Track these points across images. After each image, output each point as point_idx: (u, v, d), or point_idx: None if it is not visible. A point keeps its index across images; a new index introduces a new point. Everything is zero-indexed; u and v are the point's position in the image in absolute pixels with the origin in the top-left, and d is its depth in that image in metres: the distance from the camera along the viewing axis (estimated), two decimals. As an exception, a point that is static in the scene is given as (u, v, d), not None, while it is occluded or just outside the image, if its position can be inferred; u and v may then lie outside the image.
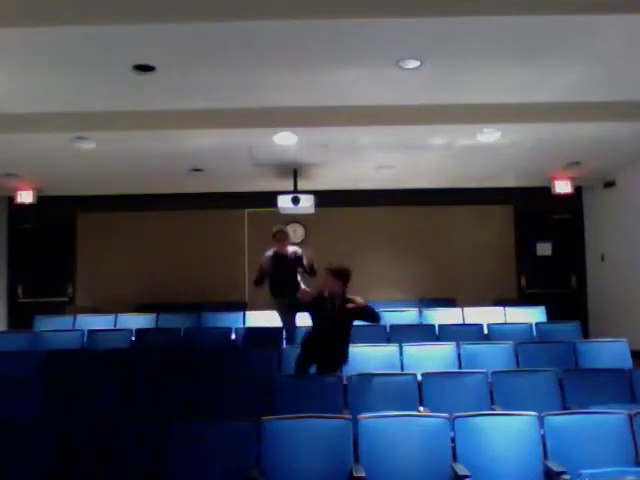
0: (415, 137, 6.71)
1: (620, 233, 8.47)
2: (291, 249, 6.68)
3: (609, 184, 8.73)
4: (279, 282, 6.54)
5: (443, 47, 4.59)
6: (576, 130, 6.42)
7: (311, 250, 6.72)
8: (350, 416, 3.99)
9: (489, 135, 6.53)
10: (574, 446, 3.77)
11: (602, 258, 9.04)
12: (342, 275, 4.97)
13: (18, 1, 4.08)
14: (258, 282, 6.56)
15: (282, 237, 6.62)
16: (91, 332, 6.79)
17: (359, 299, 4.94)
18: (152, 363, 5.63)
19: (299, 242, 9.37)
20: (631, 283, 8.12)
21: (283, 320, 6.75)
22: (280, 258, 6.54)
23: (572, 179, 8.62)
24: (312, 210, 8.09)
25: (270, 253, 6.60)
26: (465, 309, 7.60)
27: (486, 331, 6.68)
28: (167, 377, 5.16)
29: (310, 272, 6.55)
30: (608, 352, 5.86)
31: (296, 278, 6.59)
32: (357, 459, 3.75)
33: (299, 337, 6.38)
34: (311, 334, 5.20)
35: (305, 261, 6.55)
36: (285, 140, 6.58)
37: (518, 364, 5.68)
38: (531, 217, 9.71)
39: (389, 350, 5.72)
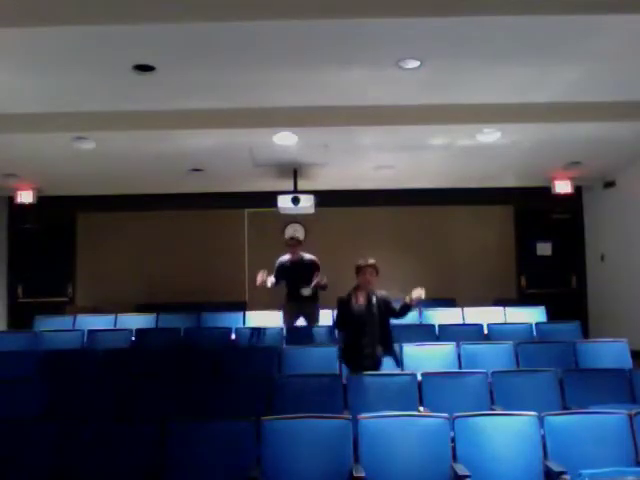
0: (415, 137, 6.71)
1: (620, 233, 8.47)
2: (306, 256, 6.75)
3: (609, 184, 8.72)
4: (296, 288, 6.62)
5: (443, 47, 4.59)
6: (576, 130, 6.42)
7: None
8: (350, 416, 3.99)
9: (489, 135, 6.53)
10: (574, 446, 3.77)
11: (602, 258, 9.04)
12: (378, 268, 5.14)
13: (18, 1, 4.08)
14: (272, 286, 6.63)
15: (293, 243, 6.74)
16: (91, 332, 6.78)
17: (420, 294, 5.01)
18: (152, 363, 5.63)
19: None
20: (631, 283, 8.12)
21: (285, 320, 6.85)
22: (295, 264, 6.61)
23: (572, 179, 8.62)
24: (312, 210, 8.08)
25: (285, 259, 6.72)
26: (465, 309, 7.60)
27: (486, 331, 6.68)
28: (167, 377, 5.16)
29: (321, 288, 6.59)
30: (608, 352, 5.86)
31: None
32: (357, 459, 3.75)
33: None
34: (349, 338, 5.27)
35: (319, 275, 6.53)
36: (285, 140, 6.58)
37: (518, 364, 5.68)
38: (531, 217, 9.71)
39: (389, 350, 5.72)
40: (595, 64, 4.96)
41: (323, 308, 6.95)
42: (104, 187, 8.85)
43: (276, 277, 6.63)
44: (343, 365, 5.36)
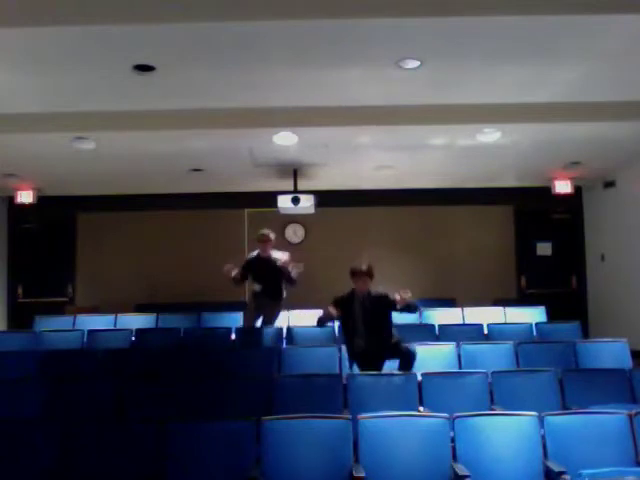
0: (415, 137, 6.71)
1: (620, 233, 8.47)
2: (276, 254, 6.60)
3: (609, 184, 8.72)
4: (260, 284, 6.58)
5: (443, 47, 4.58)
6: (576, 130, 6.41)
7: (292, 260, 6.65)
8: (350, 416, 3.99)
9: (489, 135, 6.53)
10: (574, 446, 3.77)
11: (602, 258, 9.04)
12: (372, 273, 5.19)
13: (18, 1, 4.08)
14: (236, 281, 6.60)
15: (264, 239, 6.54)
16: (91, 332, 6.79)
17: (404, 295, 5.02)
18: (152, 363, 5.63)
19: (299, 242, 9.40)
20: (631, 283, 8.12)
21: (245, 322, 6.81)
22: (261, 261, 6.54)
23: (572, 179, 8.62)
24: (312, 210, 8.08)
25: (253, 255, 6.64)
26: (465, 309, 7.60)
27: (486, 331, 6.68)
28: (167, 377, 5.16)
29: (288, 280, 6.55)
30: (608, 352, 5.86)
31: (279, 282, 6.61)
32: (357, 459, 3.75)
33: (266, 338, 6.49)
34: (346, 336, 5.34)
35: (283, 269, 6.48)
36: (285, 140, 6.58)
37: (518, 364, 5.68)
38: (531, 217, 9.72)
39: (389, 350, 5.72)
40: (595, 64, 4.96)
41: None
42: (104, 187, 8.86)
43: (242, 273, 6.56)
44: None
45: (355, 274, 5.19)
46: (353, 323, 5.20)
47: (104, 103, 5.70)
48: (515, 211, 9.79)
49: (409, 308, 5.21)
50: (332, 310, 5.18)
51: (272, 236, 6.63)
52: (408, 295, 5.06)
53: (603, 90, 5.58)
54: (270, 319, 6.73)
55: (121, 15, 4.08)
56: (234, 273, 6.48)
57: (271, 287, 6.62)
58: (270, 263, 6.52)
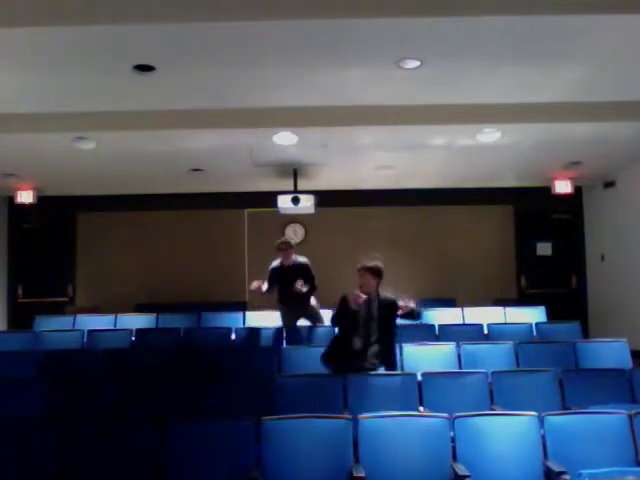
0: (415, 137, 6.71)
1: (620, 233, 8.48)
2: (299, 259, 6.65)
3: (609, 184, 8.73)
4: (286, 292, 6.55)
5: (443, 47, 4.58)
6: (576, 130, 6.42)
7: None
8: (350, 416, 3.98)
9: (489, 135, 6.53)
10: (574, 446, 3.77)
11: (602, 258, 9.05)
12: (379, 273, 5.06)
13: (18, 1, 4.08)
14: (267, 291, 6.58)
15: (284, 247, 6.56)
16: (91, 332, 6.78)
17: (409, 303, 4.93)
18: (152, 363, 5.63)
19: (299, 242, 9.40)
20: (631, 283, 8.12)
21: (285, 324, 6.80)
22: (285, 269, 6.55)
23: (572, 179, 8.63)
24: (312, 210, 8.08)
25: (277, 264, 6.63)
26: (465, 309, 7.60)
27: (486, 331, 6.68)
28: (167, 377, 5.16)
29: (312, 286, 6.55)
30: (608, 352, 5.86)
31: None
32: (357, 459, 3.74)
33: (301, 337, 6.50)
34: (342, 337, 5.17)
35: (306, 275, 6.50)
36: (285, 140, 6.58)
37: (518, 364, 5.68)
38: (531, 217, 9.73)
39: (389, 350, 5.71)
40: (595, 64, 4.96)
41: (323, 308, 6.98)
42: (104, 187, 8.86)
43: (269, 283, 6.55)
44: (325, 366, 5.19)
45: (358, 270, 5.06)
46: (355, 322, 5.02)
47: (104, 103, 5.70)
48: (515, 211, 9.79)
49: (411, 315, 5.11)
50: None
51: (292, 242, 6.75)
52: (412, 305, 4.96)
53: (603, 90, 5.58)
54: (316, 318, 6.75)
55: (121, 15, 4.08)
56: (264, 288, 6.46)
57: (297, 294, 6.54)
58: (295, 269, 6.51)
